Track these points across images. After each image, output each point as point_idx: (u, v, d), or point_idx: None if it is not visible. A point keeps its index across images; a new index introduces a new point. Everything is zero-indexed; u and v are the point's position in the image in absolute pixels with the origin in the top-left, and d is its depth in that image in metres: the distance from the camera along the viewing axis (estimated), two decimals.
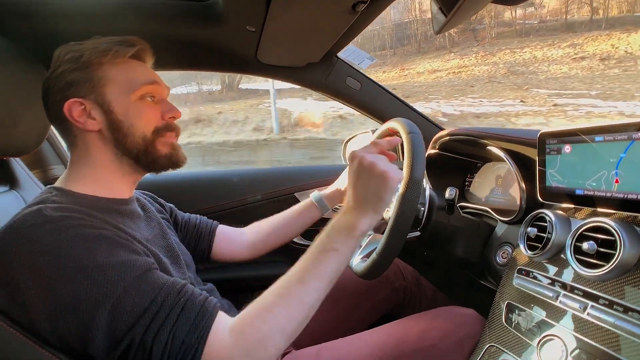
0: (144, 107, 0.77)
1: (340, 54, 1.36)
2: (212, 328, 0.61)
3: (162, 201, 1.06)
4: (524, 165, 0.97)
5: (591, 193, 0.76)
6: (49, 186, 0.77)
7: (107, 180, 0.78)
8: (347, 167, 0.96)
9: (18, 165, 0.96)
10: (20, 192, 0.90)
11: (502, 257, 0.96)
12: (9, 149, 0.79)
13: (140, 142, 0.77)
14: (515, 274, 0.86)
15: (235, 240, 1.13)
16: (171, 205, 1.09)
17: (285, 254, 1.50)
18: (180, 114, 0.82)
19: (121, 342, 0.59)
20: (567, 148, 0.80)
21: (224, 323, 0.63)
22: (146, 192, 1.01)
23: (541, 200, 0.87)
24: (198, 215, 1.13)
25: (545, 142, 0.85)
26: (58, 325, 0.59)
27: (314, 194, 1.15)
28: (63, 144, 1.45)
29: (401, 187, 0.74)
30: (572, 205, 0.82)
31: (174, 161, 0.81)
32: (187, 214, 1.12)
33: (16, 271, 0.59)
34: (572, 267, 0.74)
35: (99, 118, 0.74)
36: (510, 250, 0.94)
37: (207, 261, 1.10)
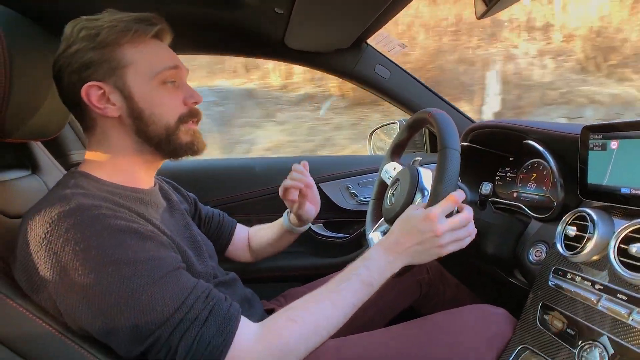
0: (166, 93, 0.74)
1: (370, 41, 1.32)
2: (237, 332, 0.62)
3: (186, 192, 1.05)
4: (563, 161, 0.92)
5: (639, 192, 0.72)
6: (72, 169, 0.75)
7: (127, 168, 0.76)
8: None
9: (39, 149, 0.94)
10: (41, 177, 0.88)
11: (535, 255, 0.92)
12: (30, 132, 0.78)
13: (162, 131, 0.74)
14: (551, 274, 0.83)
15: (244, 243, 1.16)
16: (195, 197, 1.08)
17: (308, 245, 1.49)
18: (201, 99, 0.80)
19: (147, 339, 0.59)
20: (613, 144, 0.76)
21: (247, 328, 0.64)
22: (169, 180, 0.99)
23: (581, 197, 0.83)
24: (219, 211, 1.13)
25: (589, 137, 0.80)
26: (81, 316, 0.59)
27: (287, 225, 1.09)
28: None
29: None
30: (614, 205, 0.78)
31: (195, 149, 0.80)
32: (210, 208, 1.12)
33: (44, 259, 0.59)
34: (615, 270, 0.70)
35: (119, 104, 0.71)
36: (544, 248, 0.90)
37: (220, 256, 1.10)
